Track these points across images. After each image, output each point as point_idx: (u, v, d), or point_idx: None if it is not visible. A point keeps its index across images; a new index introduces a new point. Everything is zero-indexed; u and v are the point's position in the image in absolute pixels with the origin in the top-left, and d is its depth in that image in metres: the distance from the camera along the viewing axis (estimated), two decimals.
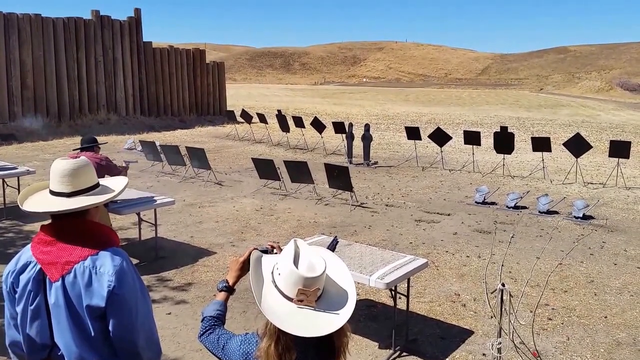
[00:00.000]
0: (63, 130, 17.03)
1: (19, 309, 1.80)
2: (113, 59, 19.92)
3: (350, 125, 13.69)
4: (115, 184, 2.00)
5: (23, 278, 1.78)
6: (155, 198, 6.42)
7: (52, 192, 1.84)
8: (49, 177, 1.88)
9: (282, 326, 1.48)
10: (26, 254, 1.82)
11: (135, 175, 11.03)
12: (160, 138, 16.20)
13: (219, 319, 1.83)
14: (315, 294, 1.52)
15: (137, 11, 21.15)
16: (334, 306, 1.55)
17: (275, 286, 1.56)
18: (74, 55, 18.61)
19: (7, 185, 8.06)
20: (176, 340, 4.30)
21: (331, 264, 1.64)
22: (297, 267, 1.52)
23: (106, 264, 1.74)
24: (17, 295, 1.80)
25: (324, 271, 1.54)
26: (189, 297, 5.15)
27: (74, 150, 5.90)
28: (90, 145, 5.74)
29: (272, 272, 1.60)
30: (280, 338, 1.51)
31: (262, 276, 1.63)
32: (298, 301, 1.51)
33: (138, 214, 6.31)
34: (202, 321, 1.84)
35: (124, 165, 6.21)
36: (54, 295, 1.73)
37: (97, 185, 1.92)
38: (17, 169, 8.17)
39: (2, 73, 16.76)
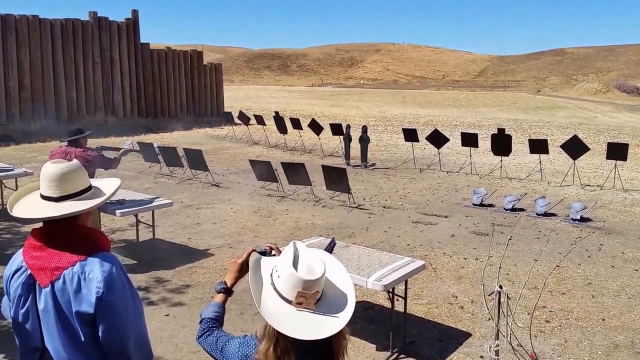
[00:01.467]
0: (60, 132, 16.95)
1: (12, 312, 1.81)
2: (111, 60, 19.91)
3: (348, 127, 13.70)
4: (107, 186, 1.98)
5: (14, 283, 1.79)
6: (152, 200, 6.41)
7: (42, 196, 1.83)
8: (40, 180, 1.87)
9: (281, 329, 1.48)
10: (18, 258, 1.82)
11: (133, 177, 11.02)
12: (157, 139, 16.16)
13: (217, 321, 1.82)
14: (315, 296, 1.51)
15: (135, 13, 21.15)
16: (333, 309, 1.54)
17: (274, 289, 1.55)
18: (72, 57, 18.61)
19: (5, 187, 8.04)
20: (174, 342, 4.29)
21: (330, 266, 1.63)
22: (296, 270, 1.51)
23: (95, 270, 1.73)
24: (10, 299, 1.82)
25: (323, 274, 1.53)
26: (186, 298, 5.14)
27: (60, 141, 5.65)
28: (76, 138, 5.37)
29: (271, 275, 1.59)
30: (279, 341, 1.50)
31: (261, 278, 1.62)
32: (297, 304, 1.50)
33: (136, 216, 6.30)
34: (200, 323, 1.83)
35: (119, 154, 5.84)
36: (43, 300, 1.74)
37: (89, 188, 1.89)
38: (14, 170, 8.16)
39: (0, 74, 16.73)
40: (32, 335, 1.79)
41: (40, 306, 1.74)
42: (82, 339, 1.74)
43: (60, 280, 1.72)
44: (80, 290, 1.71)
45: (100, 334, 1.74)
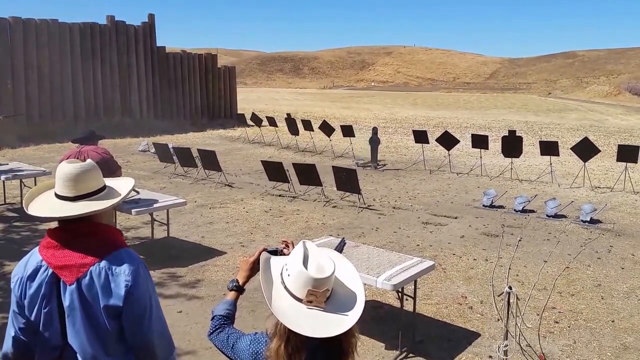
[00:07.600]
0: (79, 133, 17.22)
1: (32, 313, 1.80)
2: (127, 63, 20.17)
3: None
4: (121, 186, 1.99)
5: (34, 283, 1.79)
6: (167, 199, 6.54)
7: (57, 195, 1.84)
8: (55, 179, 1.88)
9: (292, 327, 1.50)
10: (34, 258, 1.82)
11: (149, 177, 11.18)
12: (172, 140, 16.38)
13: (229, 318, 1.86)
14: (325, 295, 1.54)
15: (151, 17, 21.39)
16: (343, 307, 1.57)
17: (285, 287, 1.58)
18: (90, 60, 18.88)
19: (25, 186, 8.23)
20: (187, 337, 4.39)
21: (340, 265, 1.66)
22: (306, 268, 1.54)
23: (122, 265, 1.77)
24: (26, 302, 1.79)
25: (333, 272, 1.56)
26: (199, 295, 5.24)
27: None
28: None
29: (282, 273, 1.62)
30: (290, 338, 1.52)
31: (272, 277, 1.65)
32: (307, 302, 1.53)
33: (151, 214, 6.43)
34: (212, 320, 1.87)
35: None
36: (68, 297, 1.75)
37: (103, 188, 1.90)
38: (34, 170, 8.35)
39: (20, 77, 17.04)
40: (54, 333, 1.81)
41: (66, 303, 1.76)
42: (109, 333, 1.78)
43: (87, 277, 1.75)
44: (109, 285, 1.75)
45: (126, 327, 1.79)
